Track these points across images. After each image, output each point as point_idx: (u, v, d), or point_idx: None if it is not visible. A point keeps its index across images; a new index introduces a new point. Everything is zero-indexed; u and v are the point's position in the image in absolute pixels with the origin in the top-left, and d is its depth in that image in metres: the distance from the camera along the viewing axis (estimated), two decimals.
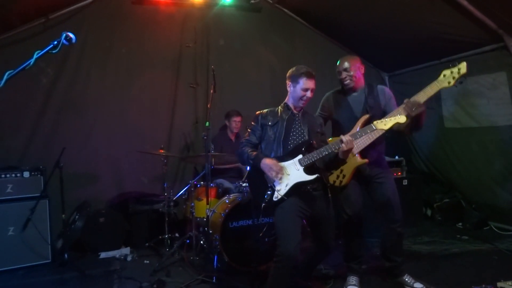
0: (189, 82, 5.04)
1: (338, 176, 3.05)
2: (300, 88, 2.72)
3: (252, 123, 2.88)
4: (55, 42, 1.69)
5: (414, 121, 2.78)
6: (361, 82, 3.11)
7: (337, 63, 3.12)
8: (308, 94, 2.73)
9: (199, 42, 5.12)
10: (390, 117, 2.59)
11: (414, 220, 4.95)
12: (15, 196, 3.82)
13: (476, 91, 4.53)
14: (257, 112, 2.89)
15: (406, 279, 3.14)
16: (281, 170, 2.59)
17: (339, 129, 3.11)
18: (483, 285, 2.83)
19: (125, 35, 4.80)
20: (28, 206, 3.77)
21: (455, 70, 2.71)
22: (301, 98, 2.74)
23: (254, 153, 2.71)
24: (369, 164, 3.00)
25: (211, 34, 5.21)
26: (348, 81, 3.06)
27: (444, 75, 2.74)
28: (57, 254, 3.89)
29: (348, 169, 3.00)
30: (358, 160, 2.96)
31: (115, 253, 4.12)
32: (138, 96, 4.85)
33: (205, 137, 3.72)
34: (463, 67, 2.68)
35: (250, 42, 5.41)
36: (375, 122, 2.59)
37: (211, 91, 3.80)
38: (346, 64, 3.05)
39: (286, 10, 5.59)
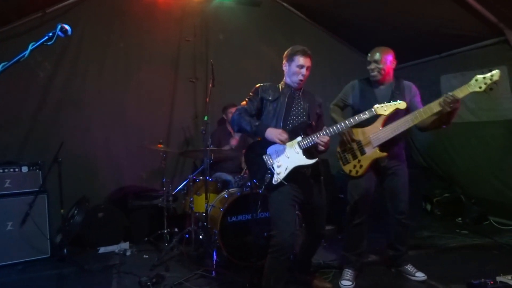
0: (188, 77, 5.03)
1: (355, 166, 3.04)
2: (295, 65, 2.67)
3: (251, 93, 2.78)
4: (50, 34, 1.66)
5: (445, 117, 2.75)
6: (390, 76, 3.08)
7: (368, 54, 3.07)
8: (303, 71, 2.68)
9: (198, 36, 5.09)
10: (392, 102, 2.60)
11: (413, 215, 4.89)
12: (14, 191, 3.80)
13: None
14: (257, 85, 2.81)
15: (409, 268, 3.22)
16: (287, 138, 2.54)
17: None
18: (483, 279, 2.82)
19: (123, 29, 4.76)
20: (26, 201, 3.77)
21: (487, 76, 2.63)
22: (296, 75, 2.68)
23: (257, 120, 2.66)
24: (388, 156, 2.99)
25: (210, 28, 5.18)
26: (376, 73, 3.02)
27: (476, 80, 2.67)
28: (56, 249, 3.89)
29: (366, 160, 2.99)
30: (378, 152, 2.94)
31: (114, 248, 4.12)
32: (136, 91, 4.83)
33: (204, 132, 3.71)
34: (496, 74, 2.62)
35: (250, 36, 5.38)
36: (375, 107, 2.60)
37: (210, 85, 3.80)
38: (377, 56, 3.00)
39: (285, 4, 5.55)
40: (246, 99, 2.79)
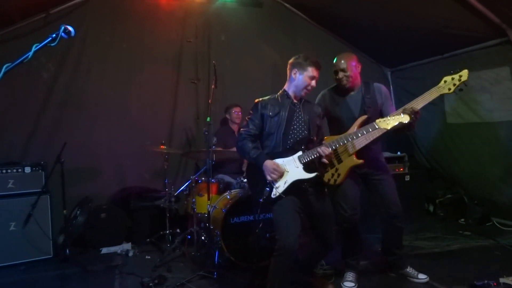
0: (190, 78, 5.05)
1: (333, 175, 3.03)
2: (308, 76, 2.65)
3: (251, 112, 2.76)
4: (54, 35, 1.67)
5: (406, 125, 2.74)
6: (358, 81, 3.06)
7: (334, 61, 3.06)
8: (313, 83, 2.69)
9: (200, 37, 5.10)
10: (394, 116, 2.57)
11: (416, 215, 4.93)
12: (17, 191, 3.81)
13: (479, 86, 4.49)
14: (256, 100, 2.78)
15: (409, 271, 3.19)
16: (282, 174, 2.55)
17: (338, 128, 3.07)
18: (486, 281, 2.81)
19: (126, 30, 4.79)
20: (29, 202, 3.78)
21: (456, 76, 2.65)
22: (306, 87, 2.67)
23: (257, 151, 2.63)
24: (366, 163, 2.97)
25: (212, 29, 5.19)
26: (345, 82, 3.00)
27: (445, 81, 2.69)
28: (58, 250, 3.90)
29: (343, 168, 2.99)
30: (354, 160, 2.94)
31: (117, 248, 4.13)
32: (139, 92, 4.84)
33: (206, 132, 3.71)
34: (464, 74, 2.63)
35: (251, 37, 5.38)
36: (377, 121, 2.57)
37: (212, 86, 3.79)
38: (343, 64, 2.98)
39: (287, 5, 5.56)
40: (247, 118, 2.77)
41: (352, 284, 3.06)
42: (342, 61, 2.99)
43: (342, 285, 3.07)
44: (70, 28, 1.71)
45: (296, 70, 2.70)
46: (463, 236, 4.35)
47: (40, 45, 1.66)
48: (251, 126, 2.72)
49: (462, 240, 4.20)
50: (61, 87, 4.49)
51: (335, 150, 2.95)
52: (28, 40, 4.18)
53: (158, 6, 4.90)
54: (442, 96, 4.88)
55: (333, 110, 3.11)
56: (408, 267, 3.21)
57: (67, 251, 3.83)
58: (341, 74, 3.00)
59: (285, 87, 2.81)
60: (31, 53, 1.62)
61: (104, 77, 4.70)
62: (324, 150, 2.55)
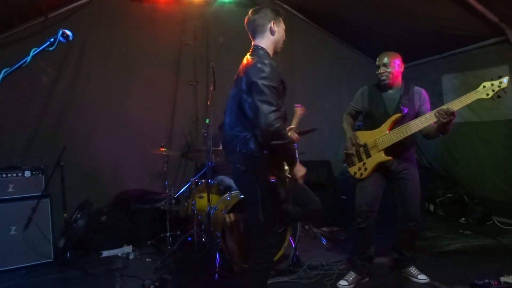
0: (189, 80, 5.04)
1: (359, 168, 3.07)
2: (283, 29, 2.36)
3: (273, 85, 2.09)
4: (52, 39, 1.68)
5: (441, 127, 2.76)
6: (399, 80, 3.07)
7: (377, 58, 3.08)
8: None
9: (198, 39, 5.10)
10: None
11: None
12: (17, 195, 3.80)
13: (477, 86, 4.48)
14: (275, 67, 2.15)
15: (412, 270, 3.20)
16: None
17: (371, 124, 3.10)
18: (486, 280, 2.81)
19: (125, 33, 4.80)
20: (29, 206, 3.77)
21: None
22: (283, 41, 2.39)
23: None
24: (397, 160, 2.99)
25: (211, 32, 5.19)
26: (385, 77, 3.01)
27: (484, 86, 2.67)
28: (59, 253, 3.89)
29: (370, 163, 3.02)
30: (382, 156, 2.96)
31: (117, 251, 4.13)
32: (138, 94, 4.84)
33: (205, 134, 3.71)
34: (505, 82, 2.62)
35: (250, 39, 5.36)
36: None
37: (211, 88, 3.81)
38: (386, 60, 2.99)
39: (286, 6, 5.55)
40: (270, 92, 2.06)
41: (345, 283, 3.06)
42: (386, 57, 3.01)
43: (337, 284, 3.09)
44: (68, 32, 1.72)
45: (274, 22, 2.30)
46: (464, 235, 4.34)
47: (39, 50, 1.66)
48: (282, 111, 2.15)
49: (463, 239, 4.19)
50: (61, 90, 4.50)
51: (364, 145, 3.02)
52: (26, 45, 4.19)
53: (157, 9, 4.91)
54: (441, 96, 5.00)
55: (369, 105, 3.13)
56: (412, 266, 3.22)
57: (68, 254, 3.83)
58: (382, 69, 3.00)
59: (265, 46, 2.33)
60: (29, 58, 1.62)
61: (103, 80, 4.70)
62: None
